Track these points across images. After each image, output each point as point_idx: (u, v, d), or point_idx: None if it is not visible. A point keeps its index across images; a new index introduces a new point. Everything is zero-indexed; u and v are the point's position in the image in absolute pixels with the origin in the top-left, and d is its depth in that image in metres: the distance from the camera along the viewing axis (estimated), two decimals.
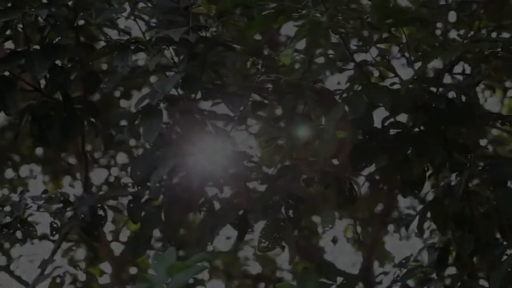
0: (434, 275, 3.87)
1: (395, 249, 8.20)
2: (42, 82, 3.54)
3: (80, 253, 7.33)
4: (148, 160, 3.14)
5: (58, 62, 3.48)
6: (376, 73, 5.61)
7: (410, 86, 3.09)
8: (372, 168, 3.36)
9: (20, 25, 3.34)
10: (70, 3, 3.40)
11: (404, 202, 7.62)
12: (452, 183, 3.57)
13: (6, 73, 3.37)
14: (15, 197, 3.64)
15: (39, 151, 7.61)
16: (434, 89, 3.19)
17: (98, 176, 7.84)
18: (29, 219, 3.61)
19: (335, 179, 3.05)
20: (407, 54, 3.13)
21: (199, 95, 3.21)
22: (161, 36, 2.97)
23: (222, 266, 8.24)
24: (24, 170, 7.83)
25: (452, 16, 5.87)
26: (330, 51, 3.20)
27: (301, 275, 2.90)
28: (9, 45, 4.07)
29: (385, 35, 3.12)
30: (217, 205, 3.45)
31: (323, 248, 8.48)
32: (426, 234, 5.06)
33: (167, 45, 3.05)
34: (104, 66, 6.39)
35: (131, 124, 3.11)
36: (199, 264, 1.96)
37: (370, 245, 7.34)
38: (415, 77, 3.10)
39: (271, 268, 8.21)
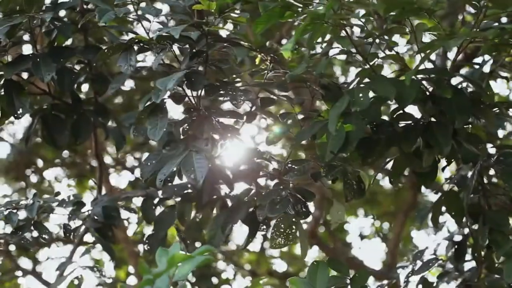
0: (452, 269, 3.82)
1: (423, 244, 8.15)
2: (53, 85, 3.56)
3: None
4: (156, 159, 3.13)
5: (67, 64, 3.51)
6: (396, 67, 5.57)
7: (419, 76, 3.05)
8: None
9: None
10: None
11: (432, 197, 7.54)
12: (468, 175, 3.53)
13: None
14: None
15: (65, 154, 7.67)
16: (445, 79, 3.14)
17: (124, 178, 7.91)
18: (50, 222, 3.62)
19: (342, 173, 3.01)
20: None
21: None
22: (162, 35, 2.97)
23: (249, 265, 8.24)
24: (49, 174, 7.91)
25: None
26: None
27: (311, 269, 2.86)
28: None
29: (392, 25, 3.07)
30: (229, 203, 3.44)
31: (350, 244, 8.46)
32: (452, 227, 4.98)
33: (170, 44, 3.04)
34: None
35: (138, 123, 3.10)
36: (202, 256, 1.94)
37: (393, 240, 7.29)
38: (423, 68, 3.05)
39: (298, 266, 8.18)
